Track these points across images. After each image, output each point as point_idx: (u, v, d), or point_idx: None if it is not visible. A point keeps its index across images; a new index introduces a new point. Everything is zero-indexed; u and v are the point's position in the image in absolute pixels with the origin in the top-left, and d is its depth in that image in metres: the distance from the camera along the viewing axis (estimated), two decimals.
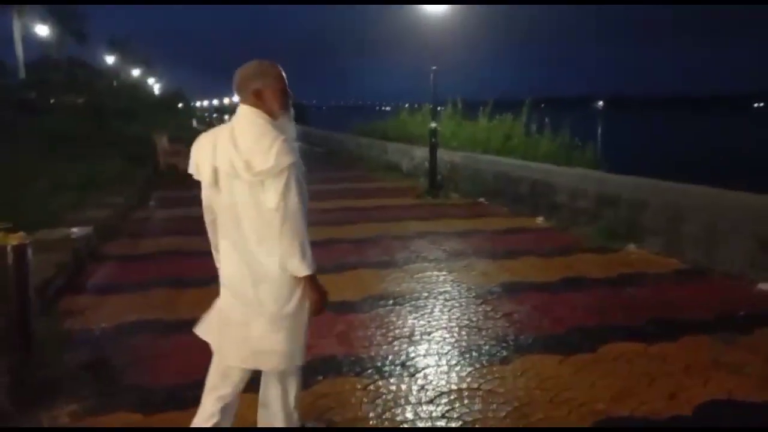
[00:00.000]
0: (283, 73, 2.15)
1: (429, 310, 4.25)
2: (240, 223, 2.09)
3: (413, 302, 4.43)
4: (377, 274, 5.22)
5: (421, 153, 11.71)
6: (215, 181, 2.11)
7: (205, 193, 2.19)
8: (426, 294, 4.63)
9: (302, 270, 2.07)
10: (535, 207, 7.92)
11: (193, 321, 2.30)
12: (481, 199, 9.26)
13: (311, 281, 2.12)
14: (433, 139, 9.59)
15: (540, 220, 7.67)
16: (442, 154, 10.68)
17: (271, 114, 2.10)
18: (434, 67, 9.40)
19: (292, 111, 2.19)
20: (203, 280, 5.01)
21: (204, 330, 2.25)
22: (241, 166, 2.01)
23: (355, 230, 7.21)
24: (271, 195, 2.00)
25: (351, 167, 14.98)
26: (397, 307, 4.31)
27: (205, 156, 2.11)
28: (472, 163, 9.74)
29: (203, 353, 2.26)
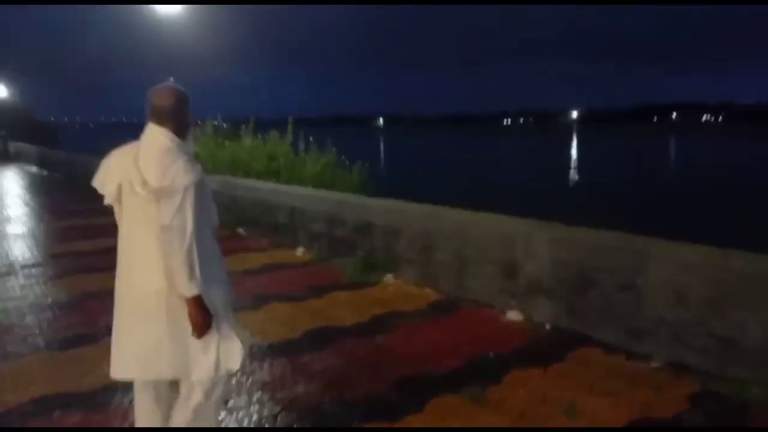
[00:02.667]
0: None
1: None
2: (135, 237, 2.19)
3: None
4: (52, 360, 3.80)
5: None
6: (119, 198, 2.23)
7: (115, 209, 2.30)
8: None
9: (188, 290, 2.09)
10: (295, 237, 7.13)
11: None
12: (240, 230, 8.19)
13: (195, 302, 2.13)
14: None
15: (300, 251, 6.90)
16: None
17: (182, 134, 2.24)
18: (171, 78, 8.02)
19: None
20: None
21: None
22: (138, 183, 2.11)
23: (59, 287, 5.57)
24: (165, 213, 2.04)
25: (88, 197, 12.59)
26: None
27: (111, 172, 2.24)
28: (228, 189, 8.61)
29: None
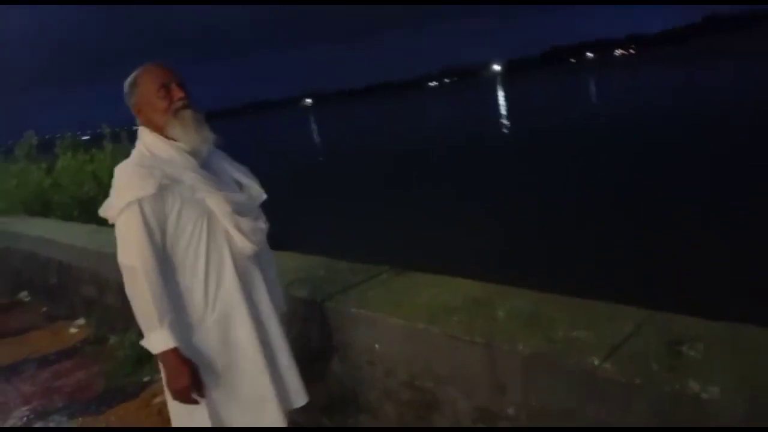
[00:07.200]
0: (164, 68, 1.73)
1: None
2: None
3: None
4: None
5: None
6: None
7: None
8: None
9: (149, 344, 1.66)
10: (72, 304, 4.93)
11: None
12: (23, 294, 5.91)
13: (165, 360, 1.67)
14: None
15: (80, 324, 4.74)
16: None
17: (159, 127, 1.71)
18: None
19: (191, 113, 1.71)
20: None
21: None
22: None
23: None
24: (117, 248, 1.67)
25: None
26: None
27: None
28: (5, 240, 6.23)
29: None
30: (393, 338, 2.12)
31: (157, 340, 1.65)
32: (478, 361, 1.83)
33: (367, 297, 2.33)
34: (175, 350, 1.66)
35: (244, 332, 1.82)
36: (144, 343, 1.69)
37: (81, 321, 4.77)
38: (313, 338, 2.45)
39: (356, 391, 2.34)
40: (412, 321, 2.03)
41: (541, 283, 2.18)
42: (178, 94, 1.70)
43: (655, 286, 5.96)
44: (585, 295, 1.94)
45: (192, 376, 1.70)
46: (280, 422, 1.89)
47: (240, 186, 1.88)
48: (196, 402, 1.74)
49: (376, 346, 2.18)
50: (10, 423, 3.20)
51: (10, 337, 4.74)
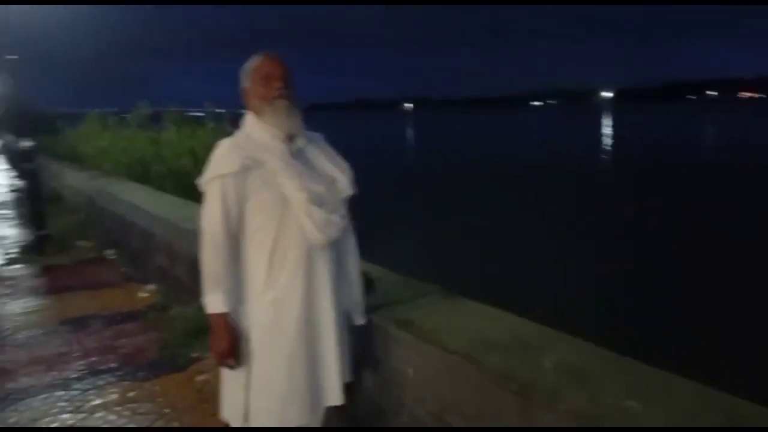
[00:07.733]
0: (273, 59, 1.90)
1: None
2: None
3: None
4: None
5: (76, 180, 8.40)
6: None
7: None
8: None
9: (205, 305, 1.84)
10: (147, 269, 5.21)
11: None
12: (109, 252, 6.33)
13: (212, 322, 1.84)
14: (28, 164, 6.39)
15: (150, 290, 4.98)
16: (78, 183, 7.54)
17: (257, 112, 1.90)
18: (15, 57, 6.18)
19: (284, 103, 1.85)
20: None
21: None
22: None
23: None
24: None
25: None
26: None
27: None
28: (99, 198, 6.72)
29: None
30: (427, 365, 2.00)
31: (212, 301, 1.81)
32: (512, 410, 1.67)
33: (410, 316, 2.22)
34: (223, 315, 1.81)
35: (292, 320, 1.87)
36: (203, 301, 1.84)
37: (152, 287, 5.02)
38: (350, 348, 2.38)
39: (384, 411, 2.25)
40: (449, 351, 1.91)
41: (598, 331, 1.98)
42: (277, 84, 1.86)
43: (726, 361, 5.31)
44: (643, 356, 1.73)
45: (231, 344, 1.83)
46: (307, 417, 1.90)
47: (333, 180, 1.93)
48: (230, 366, 1.87)
49: (410, 370, 2.08)
50: (65, 374, 3.40)
51: (88, 289, 5.08)
